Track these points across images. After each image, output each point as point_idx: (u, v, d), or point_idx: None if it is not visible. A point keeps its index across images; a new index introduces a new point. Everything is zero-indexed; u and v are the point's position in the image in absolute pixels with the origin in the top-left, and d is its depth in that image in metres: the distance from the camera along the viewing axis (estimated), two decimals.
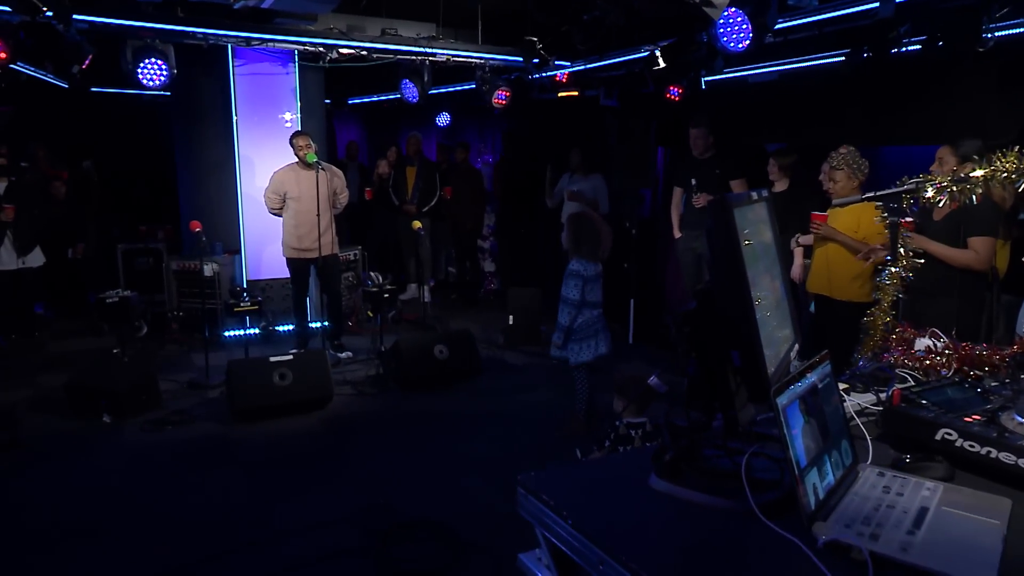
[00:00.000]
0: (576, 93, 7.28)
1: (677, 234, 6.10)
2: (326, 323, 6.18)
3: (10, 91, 7.03)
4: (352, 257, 7.41)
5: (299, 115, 6.68)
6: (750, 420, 1.48)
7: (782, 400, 1.28)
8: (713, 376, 1.45)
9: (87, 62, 5.33)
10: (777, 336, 1.50)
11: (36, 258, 6.70)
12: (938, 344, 2.00)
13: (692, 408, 1.52)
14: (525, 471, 1.51)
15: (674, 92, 6.26)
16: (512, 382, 5.65)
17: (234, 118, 6.50)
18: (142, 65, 5.45)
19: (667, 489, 1.41)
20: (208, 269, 6.26)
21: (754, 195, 1.58)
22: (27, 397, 5.19)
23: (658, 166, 7.09)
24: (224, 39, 5.97)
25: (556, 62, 6.66)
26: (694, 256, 5.94)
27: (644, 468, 1.52)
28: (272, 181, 5.85)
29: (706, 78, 6.43)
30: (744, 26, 4.41)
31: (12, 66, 5.10)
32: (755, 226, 1.51)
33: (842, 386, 1.86)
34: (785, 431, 1.26)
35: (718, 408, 1.48)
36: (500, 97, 6.78)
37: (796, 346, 1.64)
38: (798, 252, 4.78)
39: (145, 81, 5.48)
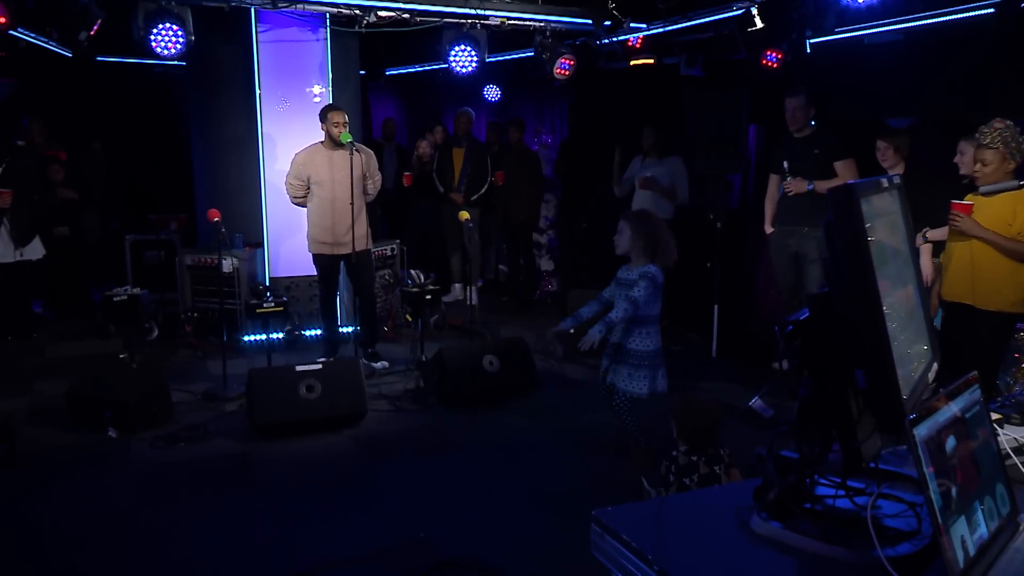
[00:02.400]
0: (652, 61, 7.22)
1: (769, 229, 6.01)
2: (358, 328, 6.26)
3: (8, 61, 7.33)
4: (388, 252, 7.48)
5: (330, 88, 6.78)
6: (875, 454, 1.44)
7: (920, 431, 1.24)
8: (830, 399, 1.41)
9: (96, 27, 5.51)
10: (910, 353, 1.45)
11: (35, 250, 6.93)
12: None
13: (803, 437, 1.49)
14: (592, 504, 1.49)
15: (772, 58, 6.15)
16: (573, 399, 5.62)
17: (257, 91, 6.63)
18: (155, 31, 5.59)
19: (772, 533, 1.38)
20: (227, 264, 6.40)
21: (884, 182, 1.53)
22: (23, 406, 5.37)
23: (750, 147, 6.99)
24: (247, 1, 6.10)
25: (631, 24, 6.62)
26: (789, 256, 5.84)
27: (742, 507, 1.49)
28: (294, 165, 5.92)
29: (812, 40, 6.30)
30: None
31: (12, 32, 5.29)
32: (884, 220, 1.47)
33: (994, 416, 1.79)
34: (924, 469, 1.21)
35: (835, 438, 1.45)
36: (563, 67, 6.77)
37: (935, 365, 1.59)
38: (925, 250, 4.64)
39: (159, 49, 5.62)
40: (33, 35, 6.51)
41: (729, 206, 7.14)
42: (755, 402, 2.59)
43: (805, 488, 1.48)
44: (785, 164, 5.71)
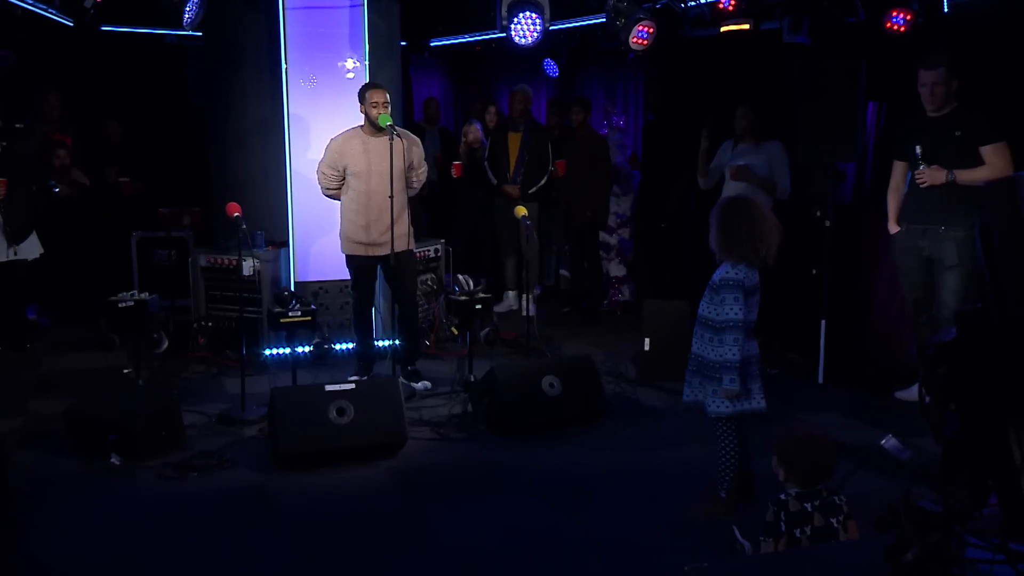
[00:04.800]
0: (747, 26, 7.14)
1: (894, 228, 5.87)
2: (397, 342, 6.30)
3: (2, 32, 7.55)
4: (432, 254, 7.52)
5: (367, 62, 6.85)
6: None
7: None
8: (986, 440, 1.37)
9: None
10: None
11: (31, 248, 7.10)
12: None
13: (950, 486, 1.45)
14: (671, 556, 1.46)
15: (898, 19, 6.03)
16: (649, 430, 5.57)
17: (283, 66, 6.73)
18: None
19: None
20: (247, 266, 6.47)
21: None
22: (15, 428, 5.47)
23: (868, 129, 6.85)
24: None
25: None
26: (920, 260, 5.70)
27: (863, 567, 1.45)
28: (328, 152, 5.98)
29: None
30: None
31: None
32: None
33: None
34: None
35: (992, 488, 1.40)
36: (640, 35, 6.72)
37: None
38: None
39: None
40: (32, 2, 6.70)
41: (841, 200, 7.04)
42: (888, 441, 2.53)
43: (952, 550, 1.43)
44: (917, 149, 5.58)
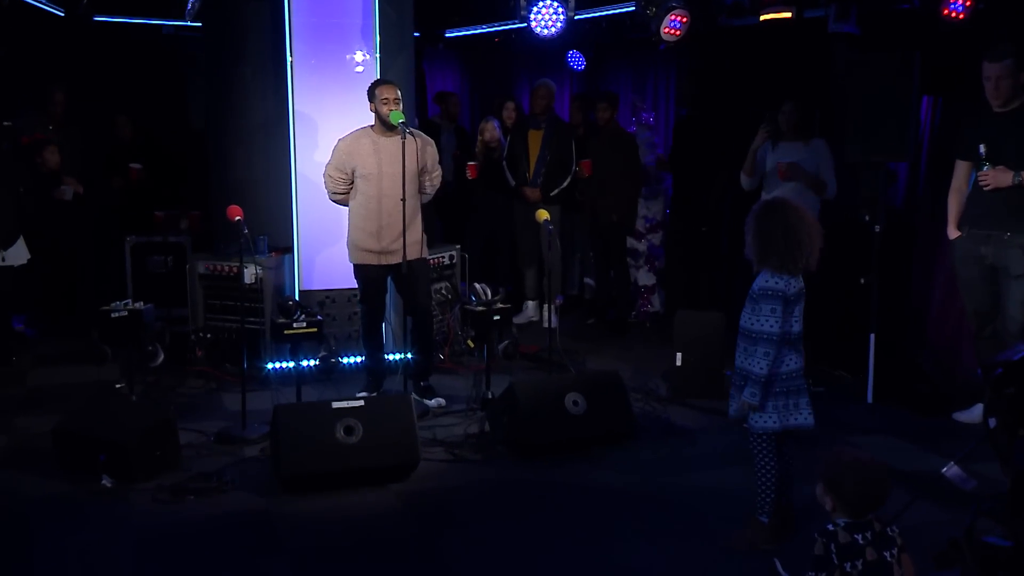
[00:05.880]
0: (790, 14, 7.09)
1: (954, 233, 5.83)
2: (410, 356, 6.29)
3: None
4: (446, 261, 7.52)
5: (377, 55, 6.85)
6: None
7: None
8: None
9: None
10: None
11: (18, 254, 7.11)
12: None
13: (1020, 519, 1.43)
14: None
15: (957, 6, 5.97)
16: (681, 453, 5.55)
17: (288, 59, 6.73)
18: None
19: None
20: (249, 274, 6.48)
21: None
22: (1, 447, 5.51)
23: (922, 126, 6.80)
24: None
25: None
26: (983, 269, 5.66)
27: None
28: (335, 153, 5.98)
29: None
30: None
31: None
32: None
33: None
34: None
35: None
36: (673, 24, 6.72)
37: None
38: None
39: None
40: None
41: (892, 203, 6.98)
42: (950, 469, 2.50)
43: None
44: (982, 148, 5.53)
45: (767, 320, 4.06)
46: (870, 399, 6.37)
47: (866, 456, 3.32)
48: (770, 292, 4.07)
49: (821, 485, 3.30)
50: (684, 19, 6.75)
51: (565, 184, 8.25)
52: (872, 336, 6.38)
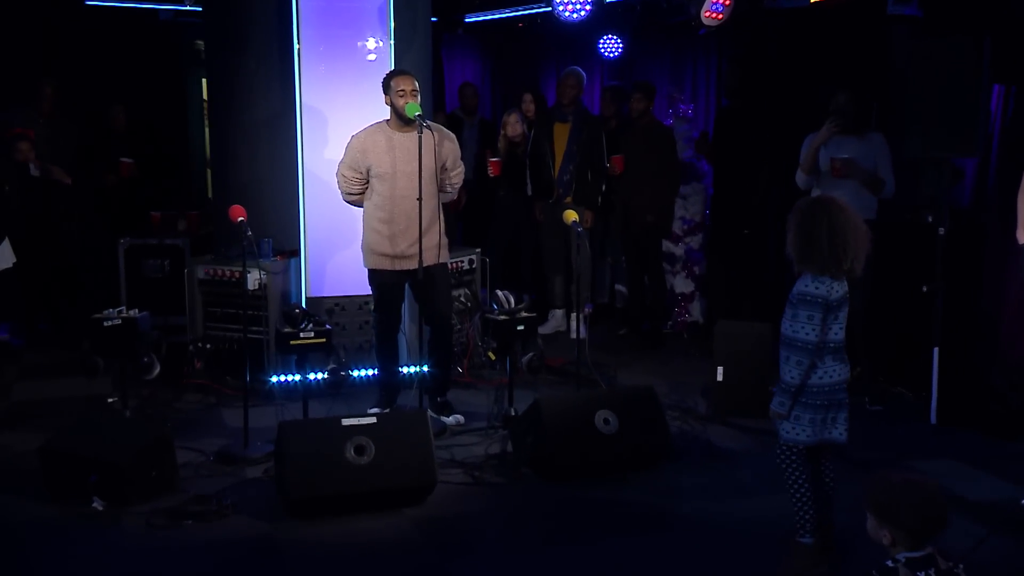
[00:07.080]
0: None
1: None
2: (426, 369, 6.25)
3: None
4: (466, 266, 7.50)
5: (391, 42, 6.84)
6: None
7: None
8: None
9: None
10: None
11: (3, 257, 7.12)
12: None
13: None
14: None
15: None
16: (722, 476, 5.52)
17: (295, 47, 6.73)
18: None
19: None
20: (252, 279, 6.45)
21: None
22: None
23: (993, 117, 6.75)
24: None
25: None
26: None
27: None
28: (348, 151, 5.97)
29: None
30: None
31: None
32: None
33: None
34: None
35: None
36: (715, 8, 6.69)
37: None
38: None
39: None
40: None
41: (958, 203, 6.93)
42: None
43: None
44: None
45: (803, 327, 4.10)
46: (934, 420, 6.32)
47: (915, 476, 3.26)
48: (809, 298, 4.10)
49: (872, 518, 3.22)
50: (727, 2, 6.71)
51: (596, 184, 8.19)
52: (936, 350, 6.34)
